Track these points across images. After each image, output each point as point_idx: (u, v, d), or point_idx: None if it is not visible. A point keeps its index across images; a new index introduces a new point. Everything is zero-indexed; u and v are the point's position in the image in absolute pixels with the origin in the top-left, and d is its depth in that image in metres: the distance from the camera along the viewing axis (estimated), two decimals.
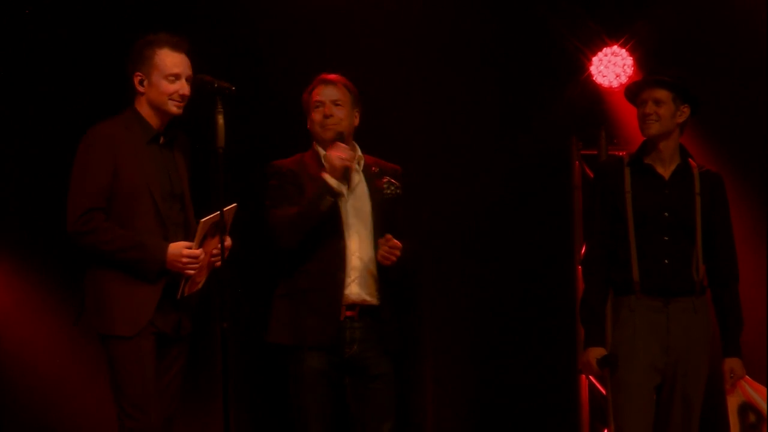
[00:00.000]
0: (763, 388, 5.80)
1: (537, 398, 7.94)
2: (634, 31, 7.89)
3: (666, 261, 5.57)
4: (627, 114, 7.22)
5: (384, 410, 5.47)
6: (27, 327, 7.29)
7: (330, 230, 5.36)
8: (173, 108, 5.11)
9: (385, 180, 5.51)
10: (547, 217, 7.96)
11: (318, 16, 7.48)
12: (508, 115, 7.92)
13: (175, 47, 5.12)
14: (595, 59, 7.93)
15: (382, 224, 5.42)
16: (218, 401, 5.11)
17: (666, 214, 5.59)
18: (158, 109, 5.12)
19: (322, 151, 5.47)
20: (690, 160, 5.73)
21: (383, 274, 5.42)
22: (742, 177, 7.21)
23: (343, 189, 5.36)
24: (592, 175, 7.27)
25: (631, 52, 7.89)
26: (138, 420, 4.97)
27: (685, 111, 5.66)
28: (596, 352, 5.60)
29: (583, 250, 6.77)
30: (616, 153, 7.43)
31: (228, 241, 5.11)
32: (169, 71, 5.09)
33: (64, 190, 5.10)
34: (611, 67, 7.91)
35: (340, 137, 5.42)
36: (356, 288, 5.38)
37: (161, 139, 5.15)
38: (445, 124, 7.80)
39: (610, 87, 7.91)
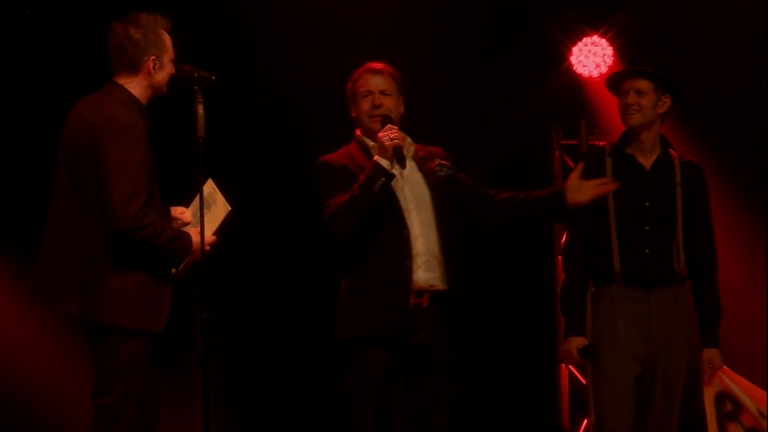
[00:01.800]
0: (741, 378, 5.82)
1: (517, 387, 7.95)
2: (614, 21, 7.90)
3: (647, 251, 5.58)
4: (607, 104, 7.24)
5: (441, 399, 5.36)
6: (19, 325, 7.28)
7: (391, 219, 5.29)
8: (164, 88, 5.06)
9: (435, 162, 5.45)
10: None
11: (299, 4, 7.47)
12: (488, 105, 7.92)
13: (168, 27, 5.06)
14: (575, 49, 7.94)
15: (443, 206, 5.37)
16: (198, 390, 5.10)
17: (647, 204, 5.60)
18: (156, 91, 5.04)
19: (369, 142, 5.42)
20: (671, 150, 5.74)
21: (450, 257, 5.35)
22: (722, 167, 7.23)
23: (396, 170, 5.27)
24: (572, 165, 7.29)
25: (612, 41, 7.91)
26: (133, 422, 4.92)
27: (667, 101, 5.67)
28: (577, 342, 5.61)
29: (563, 240, 6.79)
30: (597, 143, 7.44)
31: (213, 239, 5.08)
32: (173, 53, 5.06)
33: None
34: (591, 56, 7.92)
35: (389, 120, 5.34)
36: (423, 273, 5.29)
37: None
38: (425, 114, 7.79)
39: (591, 77, 7.92)
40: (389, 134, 5.25)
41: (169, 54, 5.03)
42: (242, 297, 7.67)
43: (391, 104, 5.43)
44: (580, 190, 5.31)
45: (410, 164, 5.39)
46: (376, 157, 5.26)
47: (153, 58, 4.99)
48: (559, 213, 5.38)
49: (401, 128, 5.42)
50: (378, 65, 5.51)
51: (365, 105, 5.44)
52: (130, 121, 4.87)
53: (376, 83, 5.45)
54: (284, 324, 7.74)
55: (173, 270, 4.99)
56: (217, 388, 6.96)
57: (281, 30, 7.50)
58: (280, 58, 7.56)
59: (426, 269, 5.30)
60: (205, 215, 5.03)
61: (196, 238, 4.96)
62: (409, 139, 5.46)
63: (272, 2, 7.51)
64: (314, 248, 7.71)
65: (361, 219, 5.26)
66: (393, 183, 5.30)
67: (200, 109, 5.02)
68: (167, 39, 5.04)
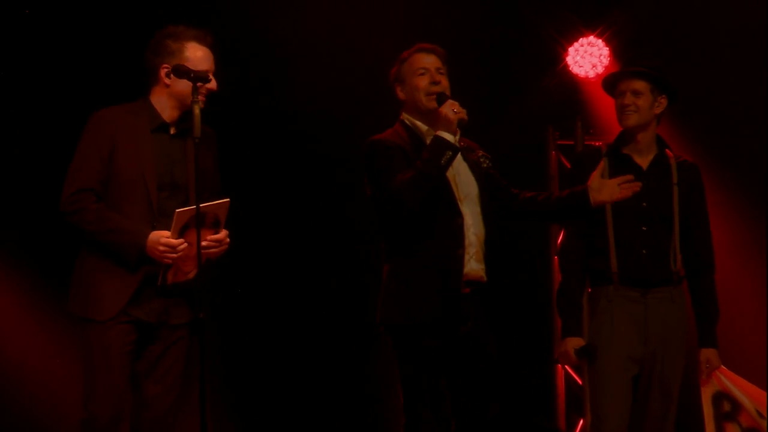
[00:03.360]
0: (739, 378, 5.82)
1: (514, 388, 7.95)
2: (610, 22, 7.90)
3: (644, 251, 5.58)
4: (603, 104, 7.23)
5: (491, 391, 5.28)
6: (15, 320, 7.27)
7: (446, 206, 5.20)
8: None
9: (480, 153, 5.39)
10: None
11: (298, 4, 7.48)
12: (484, 105, 7.90)
13: (202, 41, 5.10)
14: (571, 49, 7.94)
15: (486, 198, 5.31)
16: (194, 392, 5.10)
17: (644, 204, 5.60)
18: (181, 101, 5.07)
19: (418, 123, 5.31)
20: (667, 150, 5.74)
21: (492, 250, 5.28)
22: (720, 167, 7.24)
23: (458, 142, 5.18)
24: (568, 165, 7.30)
25: (608, 42, 7.91)
26: (89, 413, 4.98)
27: (663, 102, 5.67)
28: (574, 342, 5.61)
29: (560, 241, 6.79)
30: (593, 143, 7.44)
31: (222, 235, 5.07)
32: (200, 65, 5.05)
33: (54, 183, 5.12)
34: (587, 57, 7.92)
35: (443, 96, 5.23)
36: (475, 264, 5.22)
37: (172, 130, 5.10)
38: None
39: (587, 77, 7.93)
40: (453, 107, 5.14)
41: (193, 65, 5.02)
42: (241, 297, 7.67)
43: (446, 83, 5.32)
44: (603, 189, 5.21)
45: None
46: (438, 132, 5.13)
47: (165, 66, 5.04)
48: (582, 213, 5.30)
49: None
50: (430, 45, 5.38)
51: (422, 82, 5.29)
52: (94, 113, 5.05)
53: (431, 61, 5.32)
54: (283, 324, 7.74)
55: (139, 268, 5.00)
56: (215, 389, 6.97)
57: (281, 30, 7.50)
58: (279, 58, 7.56)
59: (477, 260, 5.23)
60: (190, 230, 5.01)
61: (153, 236, 4.94)
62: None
63: (272, 2, 7.51)
64: (314, 248, 7.72)
65: (429, 196, 5.14)
66: (455, 168, 5.23)
67: (196, 109, 5.00)
68: (194, 51, 5.06)
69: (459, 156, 5.24)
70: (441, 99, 5.20)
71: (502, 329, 5.33)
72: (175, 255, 4.97)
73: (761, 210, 7.60)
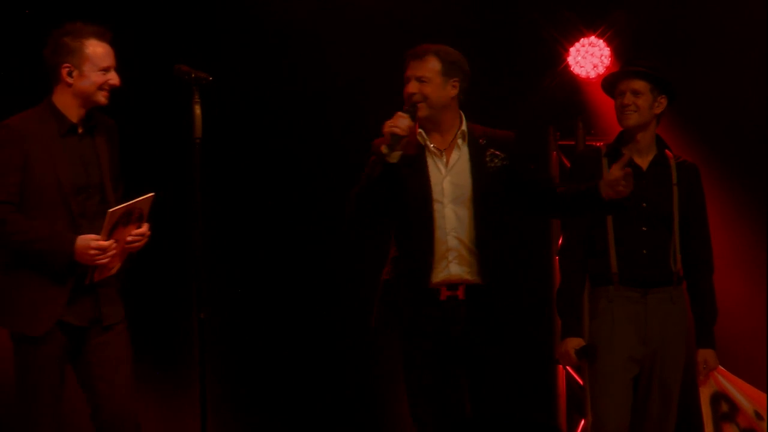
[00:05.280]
0: (737, 379, 5.82)
1: (515, 388, 7.94)
2: (611, 22, 7.89)
3: (644, 251, 5.58)
4: (604, 104, 7.23)
5: (482, 393, 5.33)
6: None
7: (421, 213, 5.23)
8: (102, 98, 5.05)
9: (488, 152, 5.32)
10: None
11: (298, 4, 7.47)
12: (485, 106, 7.90)
13: (102, 37, 5.06)
14: (572, 50, 7.93)
15: (485, 198, 5.26)
16: (195, 392, 5.10)
17: (644, 204, 5.60)
18: (86, 99, 5.05)
19: (424, 135, 5.31)
20: (666, 150, 5.74)
21: (485, 251, 5.27)
22: (720, 167, 7.24)
23: (440, 162, 5.23)
24: (569, 165, 7.29)
25: (609, 42, 7.90)
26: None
27: (663, 102, 5.67)
28: (574, 343, 5.61)
29: (560, 241, 6.79)
30: (594, 143, 7.43)
31: (144, 228, 5.04)
32: (102, 62, 5.03)
33: None
34: (588, 57, 7.91)
35: (412, 108, 5.22)
36: (456, 267, 5.23)
37: (79, 129, 5.08)
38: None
39: (588, 77, 7.92)
40: (392, 122, 5.15)
41: (93, 64, 5.01)
42: (241, 297, 7.67)
43: (429, 89, 5.27)
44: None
45: (461, 153, 5.31)
46: (382, 146, 5.17)
47: (66, 65, 5.01)
48: (596, 207, 5.27)
49: (468, 108, 5.35)
50: (419, 49, 5.34)
51: (404, 92, 5.31)
52: (13, 127, 5.00)
53: (413, 69, 5.29)
54: (283, 324, 7.74)
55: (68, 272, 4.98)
56: (214, 389, 6.98)
57: (281, 30, 7.50)
58: (279, 58, 7.56)
59: (458, 263, 5.23)
60: (119, 228, 5.00)
61: (81, 242, 4.91)
62: (464, 126, 5.34)
63: (272, 2, 7.50)
64: (314, 248, 7.72)
65: (368, 207, 5.21)
66: (433, 175, 5.24)
67: (197, 110, 5.02)
68: (94, 48, 5.03)
69: (464, 155, 5.27)
70: (408, 111, 5.21)
71: (501, 330, 5.33)
72: (106, 257, 4.95)
73: (761, 210, 7.60)
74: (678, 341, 5.63)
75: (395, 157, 5.15)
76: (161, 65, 5.23)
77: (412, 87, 5.26)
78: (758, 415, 5.74)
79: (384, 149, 5.14)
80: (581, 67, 7.92)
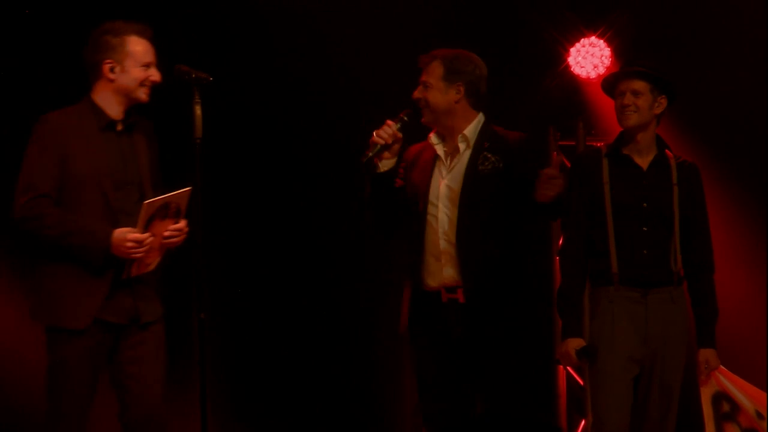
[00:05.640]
0: (738, 379, 5.82)
1: (515, 388, 7.93)
2: (611, 22, 7.90)
3: (644, 251, 5.58)
4: (605, 105, 7.23)
5: (475, 395, 5.40)
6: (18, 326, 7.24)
7: (416, 215, 5.33)
8: (143, 95, 5.10)
9: (481, 155, 5.39)
10: None
11: (298, 4, 7.48)
12: (485, 106, 7.90)
13: (142, 34, 5.11)
14: (572, 50, 7.94)
15: (472, 202, 5.30)
16: (195, 392, 5.10)
17: (644, 204, 5.60)
18: (127, 96, 5.09)
19: (434, 139, 5.42)
20: (667, 150, 5.74)
21: (469, 255, 5.31)
22: (720, 167, 7.24)
23: (443, 166, 5.31)
24: (569, 166, 7.29)
25: (609, 42, 7.91)
26: None
27: (663, 102, 5.67)
28: (575, 343, 5.61)
29: (560, 241, 6.78)
30: (594, 144, 7.44)
31: (182, 224, 5.06)
32: (144, 58, 5.08)
33: (13, 184, 5.09)
34: (589, 57, 7.92)
35: (403, 117, 5.33)
36: (450, 270, 5.30)
37: (118, 126, 5.11)
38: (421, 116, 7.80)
39: (588, 78, 7.93)
40: (377, 131, 5.25)
41: (135, 60, 5.05)
42: (241, 297, 7.67)
43: (431, 94, 5.37)
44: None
45: (461, 157, 5.36)
46: (367, 153, 5.28)
47: (109, 61, 5.04)
48: (533, 211, 5.37)
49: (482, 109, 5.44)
50: (429, 54, 5.44)
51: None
52: (41, 118, 5.02)
53: (422, 75, 5.41)
54: (283, 324, 7.74)
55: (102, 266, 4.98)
56: (214, 389, 6.99)
57: (280, 30, 7.50)
58: (279, 58, 7.56)
59: (452, 266, 5.29)
60: (156, 221, 5.01)
61: (117, 234, 4.93)
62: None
63: (272, 2, 7.51)
64: (314, 248, 7.72)
65: (376, 214, 5.35)
66: (435, 179, 5.31)
67: (198, 110, 5.03)
68: (135, 45, 5.07)
69: (465, 157, 5.32)
70: (400, 120, 5.34)
71: (501, 332, 5.35)
72: (142, 250, 4.96)
73: (761, 210, 7.60)
74: (678, 341, 5.62)
75: (385, 165, 5.23)
76: (161, 65, 5.22)
77: (418, 92, 5.38)
78: (759, 415, 5.74)
79: (368, 157, 5.24)
80: (581, 67, 7.93)
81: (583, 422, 7.80)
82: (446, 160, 5.38)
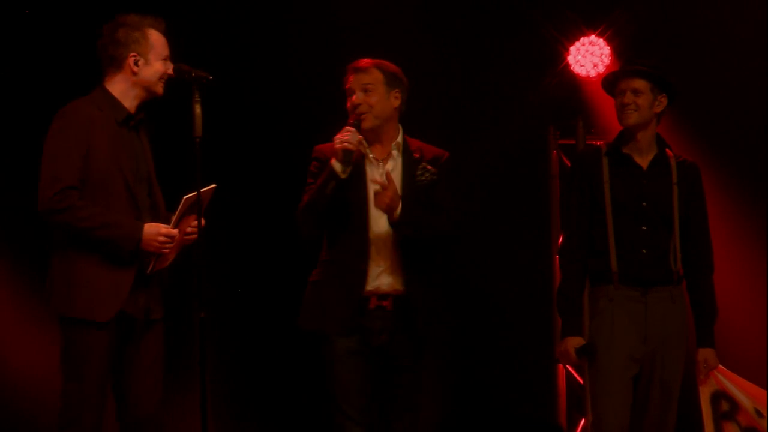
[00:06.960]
0: (737, 377, 5.82)
1: (515, 387, 7.95)
2: (611, 21, 7.90)
3: (644, 251, 5.58)
4: (604, 103, 7.24)
5: (403, 405, 5.40)
6: (19, 324, 7.25)
7: (357, 220, 5.32)
8: (161, 88, 5.11)
9: (420, 166, 5.40)
10: (525, 207, 7.96)
11: (297, 4, 7.48)
12: (485, 105, 7.91)
13: (159, 27, 5.13)
14: (572, 49, 7.94)
15: (411, 210, 5.30)
16: (195, 392, 5.10)
17: (644, 203, 5.60)
18: (147, 89, 5.08)
19: (363, 142, 5.39)
20: (667, 149, 5.74)
21: (410, 262, 5.34)
22: (720, 167, 7.24)
23: (346, 171, 5.28)
24: (569, 165, 7.29)
25: (609, 41, 7.91)
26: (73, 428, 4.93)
27: (663, 101, 5.67)
28: (574, 342, 5.61)
29: (560, 240, 6.79)
30: (594, 142, 7.43)
31: (202, 221, 5.07)
32: (164, 51, 5.09)
33: (29, 176, 5.08)
34: (589, 56, 7.92)
35: (357, 121, 5.32)
36: (387, 278, 5.32)
37: (134, 120, 5.11)
38: (421, 114, 7.79)
39: (588, 76, 7.93)
40: (340, 136, 5.25)
41: (157, 53, 5.05)
42: (241, 297, 7.67)
43: (374, 100, 5.37)
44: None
45: (395, 164, 5.39)
46: (332, 160, 5.26)
47: (134, 54, 5.04)
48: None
49: (406, 121, 5.41)
50: (361, 62, 5.44)
51: (348, 103, 5.41)
52: (65, 109, 4.98)
53: (357, 80, 5.40)
54: (283, 324, 7.73)
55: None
56: (215, 389, 6.99)
57: (280, 29, 7.50)
58: (279, 58, 7.57)
59: (390, 273, 5.33)
60: (184, 217, 5.02)
61: (149, 229, 4.93)
62: (399, 138, 5.44)
63: (272, 2, 7.51)
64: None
65: (319, 221, 5.32)
66: (371, 184, 5.31)
67: (197, 109, 5.03)
68: (156, 38, 5.08)
69: (398, 166, 5.36)
70: (354, 124, 5.32)
71: (423, 341, 5.41)
72: (173, 245, 4.98)
73: (761, 210, 7.60)
74: (678, 340, 5.63)
75: (347, 171, 5.23)
76: None
77: (357, 98, 5.35)
78: (759, 413, 5.75)
79: (337, 166, 5.24)
80: (581, 66, 7.93)
81: (582, 421, 7.80)
82: (379, 167, 5.37)
